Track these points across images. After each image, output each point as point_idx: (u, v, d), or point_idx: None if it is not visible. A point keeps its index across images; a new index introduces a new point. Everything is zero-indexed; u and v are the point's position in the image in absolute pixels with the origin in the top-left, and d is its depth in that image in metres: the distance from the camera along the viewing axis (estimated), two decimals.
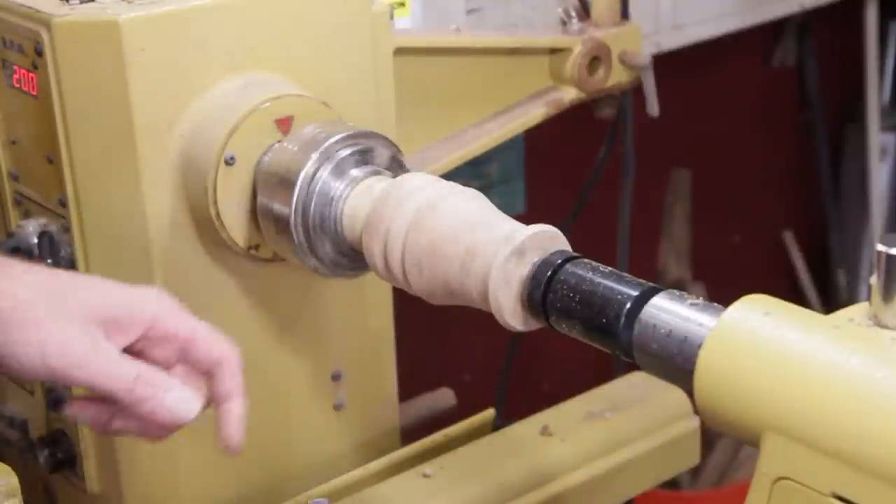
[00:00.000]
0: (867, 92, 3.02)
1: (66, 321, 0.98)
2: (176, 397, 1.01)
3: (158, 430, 1.04)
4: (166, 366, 1.04)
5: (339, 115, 1.24)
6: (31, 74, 1.22)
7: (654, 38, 2.32)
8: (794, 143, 3.11)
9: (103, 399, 1.03)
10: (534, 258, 1.04)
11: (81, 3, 1.21)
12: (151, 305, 1.04)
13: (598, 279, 1.01)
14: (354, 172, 1.17)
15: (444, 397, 1.82)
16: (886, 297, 0.87)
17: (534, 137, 1.83)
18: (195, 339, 1.04)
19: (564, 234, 1.07)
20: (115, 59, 1.15)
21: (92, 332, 0.99)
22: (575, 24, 1.64)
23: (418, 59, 1.48)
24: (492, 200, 1.12)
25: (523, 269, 1.04)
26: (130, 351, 1.03)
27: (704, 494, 2.81)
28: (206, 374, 1.05)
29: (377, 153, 1.19)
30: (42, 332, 0.97)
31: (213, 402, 1.05)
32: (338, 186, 1.16)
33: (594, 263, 1.03)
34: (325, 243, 1.18)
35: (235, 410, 1.05)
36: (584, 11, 1.66)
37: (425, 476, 1.32)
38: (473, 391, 1.83)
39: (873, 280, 0.87)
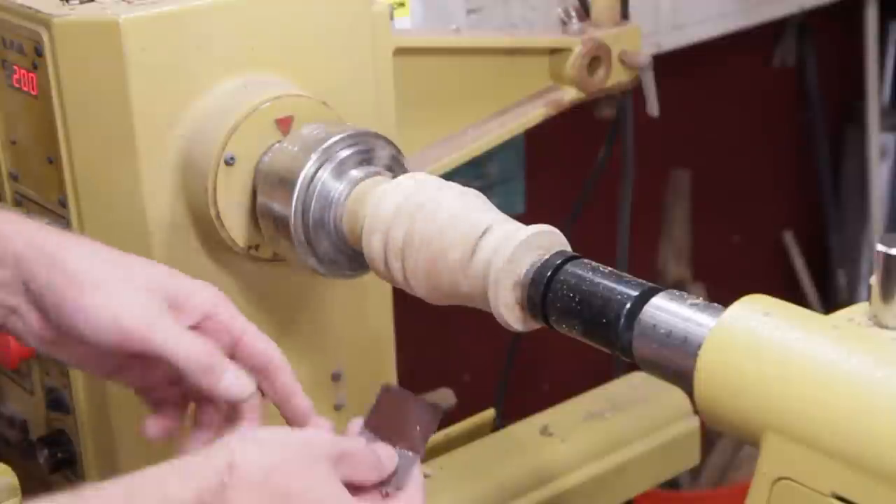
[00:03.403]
0: (867, 92, 3.02)
1: (134, 289, 1.00)
2: (232, 376, 1.02)
3: (219, 419, 1.05)
4: None
5: (339, 115, 1.24)
6: (30, 74, 1.22)
7: (654, 38, 2.32)
8: (794, 143, 3.11)
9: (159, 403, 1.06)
10: (533, 258, 1.04)
11: (81, 3, 1.21)
12: (211, 296, 1.05)
13: (598, 279, 1.01)
14: (354, 173, 1.17)
15: (444, 397, 1.82)
16: (886, 297, 0.87)
17: (534, 137, 1.82)
18: (246, 337, 1.05)
19: (564, 234, 1.07)
20: (115, 59, 1.15)
21: (158, 303, 1.01)
22: (575, 24, 1.64)
23: (418, 59, 1.47)
24: (492, 200, 1.12)
25: (523, 270, 1.04)
26: None
27: (704, 494, 2.81)
28: (251, 372, 1.05)
29: (377, 153, 1.19)
30: (115, 296, 0.99)
31: (273, 401, 1.06)
32: (338, 187, 1.16)
33: (594, 263, 1.03)
34: (325, 243, 1.17)
35: (304, 404, 1.06)
36: (584, 11, 1.66)
37: (425, 476, 1.32)
38: (473, 391, 1.82)
39: (873, 280, 0.87)
